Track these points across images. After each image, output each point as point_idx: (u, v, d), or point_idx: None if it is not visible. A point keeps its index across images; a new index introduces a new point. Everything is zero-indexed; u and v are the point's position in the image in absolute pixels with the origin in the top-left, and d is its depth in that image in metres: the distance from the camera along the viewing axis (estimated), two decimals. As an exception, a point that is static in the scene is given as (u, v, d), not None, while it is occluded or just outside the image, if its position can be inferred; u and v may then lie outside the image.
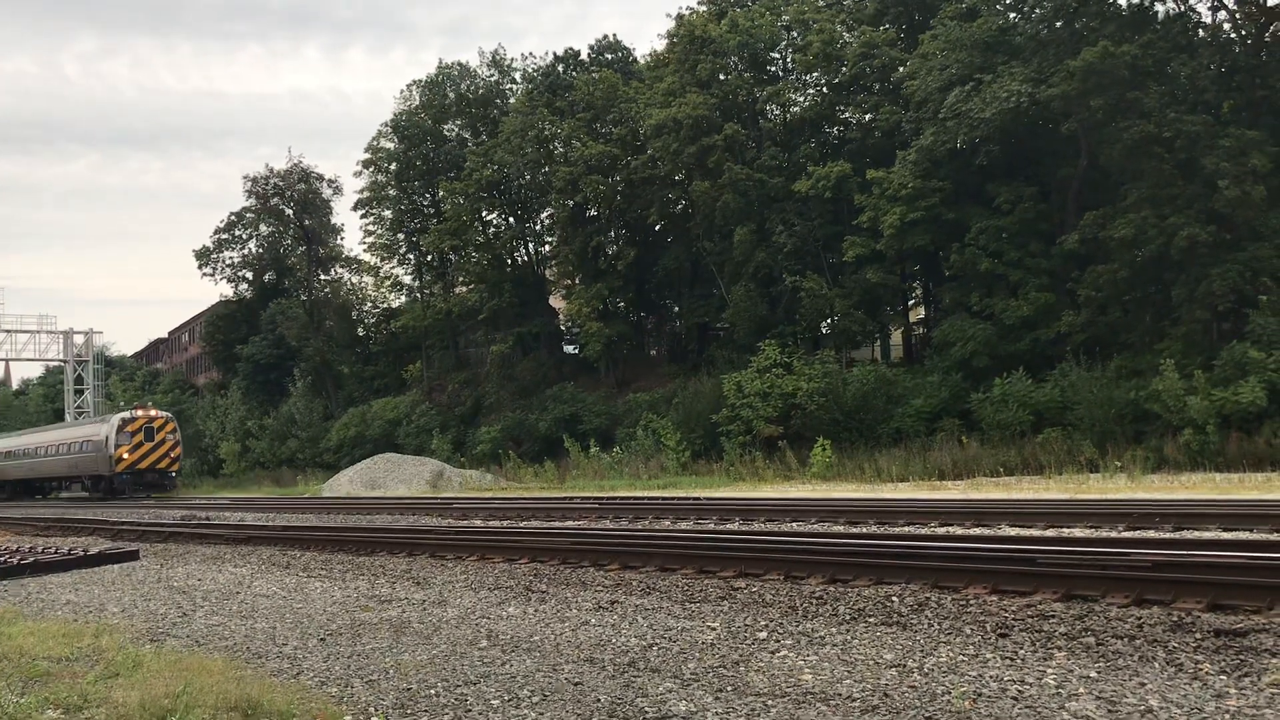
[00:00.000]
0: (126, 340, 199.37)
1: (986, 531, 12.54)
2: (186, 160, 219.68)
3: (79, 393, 73.66)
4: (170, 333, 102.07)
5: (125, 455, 46.92)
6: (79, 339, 74.23)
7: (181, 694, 6.12)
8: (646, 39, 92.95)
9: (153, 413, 49.21)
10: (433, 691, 6.25)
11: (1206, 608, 6.83)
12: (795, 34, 43.55)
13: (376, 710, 5.94)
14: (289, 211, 67.23)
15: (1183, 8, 33.10)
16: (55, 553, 15.89)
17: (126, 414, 48.79)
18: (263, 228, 69.19)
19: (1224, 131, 29.15)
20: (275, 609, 9.99)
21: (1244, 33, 31.84)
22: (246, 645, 8.17)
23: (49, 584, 12.97)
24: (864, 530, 13.29)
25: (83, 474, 50.16)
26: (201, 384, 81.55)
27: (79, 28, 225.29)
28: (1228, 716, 4.95)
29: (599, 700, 5.83)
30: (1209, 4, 32.75)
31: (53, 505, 44.74)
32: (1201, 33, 32.82)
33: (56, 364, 78.75)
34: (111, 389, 77.93)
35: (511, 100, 56.99)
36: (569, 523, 17.32)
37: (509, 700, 5.96)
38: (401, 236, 61.74)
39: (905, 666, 6.19)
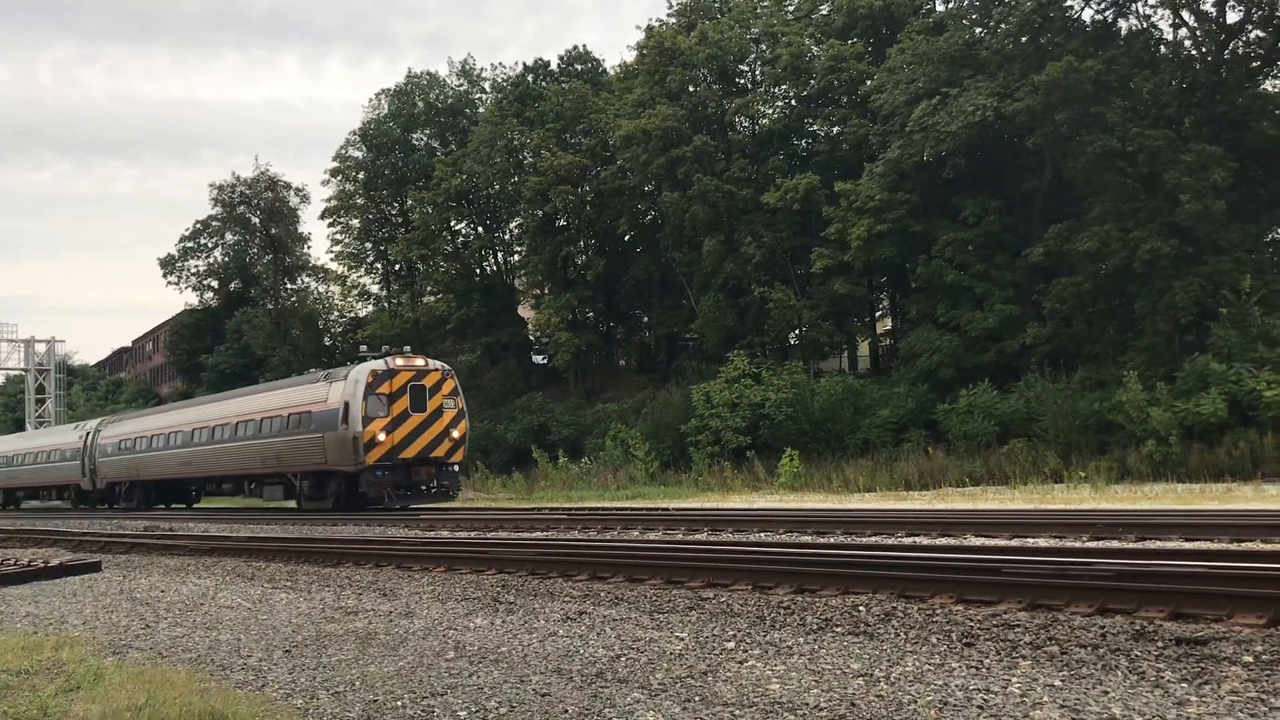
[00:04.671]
0: (90, 349, 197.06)
1: (953, 542, 12.61)
2: (160, 169, 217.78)
3: (40, 402, 72.69)
4: (134, 342, 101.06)
5: (382, 436, 27.34)
6: (40, 348, 73.34)
7: (144, 706, 6.05)
8: (620, 51, 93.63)
9: (419, 362, 29.05)
10: (399, 703, 6.21)
11: (1168, 616, 6.91)
12: (764, 47, 43.83)
13: (342, 722, 5.89)
14: (255, 220, 66.81)
15: (1145, 24, 33.60)
16: (14, 564, 15.65)
17: (377, 364, 28.48)
18: (229, 236, 68.79)
19: (1185, 146, 29.57)
20: (240, 620, 9.89)
21: (1204, 49, 32.34)
22: (210, 657, 8.09)
23: (7, 596, 12.78)
24: (831, 540, 13.34)
25: (285, 468, 30.80)
26: (165, 393, 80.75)
27: (54, 34, 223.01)
28: (1189, 724, 5.01)
29: (566, 711, 5.82)
30: (1170, 21, 33.27)
31: (14, 516, 43.32)
32: (1163, 49, 33.31)
33: (17, 373, 77.68)
34: (74, 398, 76.99)
35: (481, 110, 56.95)
36: (537, 533, 17.27)
37: (476, 711, 5.93)
38: (369, 245, 61.53)
39: (872, 676, 6.21)
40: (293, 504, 31.89)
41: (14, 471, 51.02)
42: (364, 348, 35.60)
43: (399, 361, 28.59)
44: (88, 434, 43.98)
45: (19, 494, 52.91)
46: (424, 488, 28.36)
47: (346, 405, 27.55)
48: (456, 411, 28.82)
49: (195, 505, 40.77)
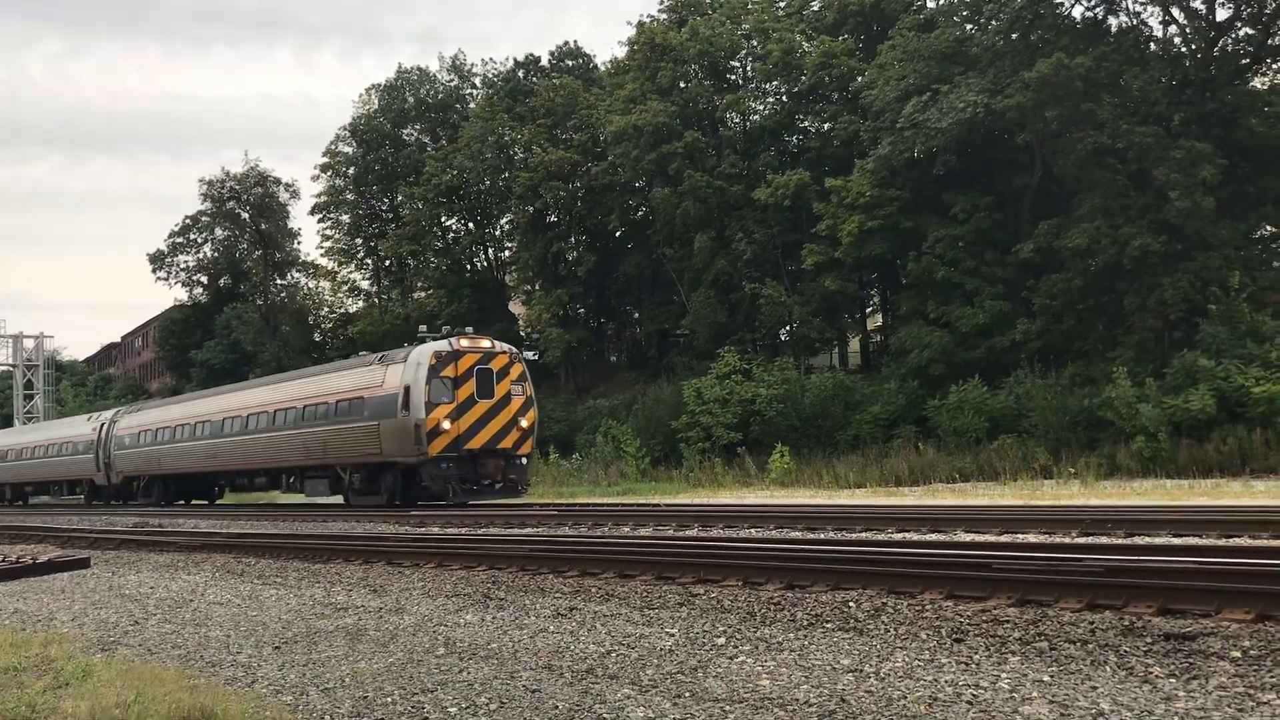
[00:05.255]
0: (79, 345, 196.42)
1: (942, 537, 12.64)
2: (150, 164, 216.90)
3: (28, 398, 72.41)
4: (123, 337, 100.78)
5: (446, 424, 24.84)
6: (29, 343, 73.04)
7: (133, 703, 6.03)
8: (611, 47, 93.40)
9: (485, 343, 26.63)
10: (389, 699, 6.20)
11: (1157, 612, 6.93)
12: (755, 43, 43.84)
13: (332, 718, 5.88)
14: (245, 215, 66.61)
15: (1135, 21, 33.67)
16: (2, 561, 15.59)
17: (440, 345, 25.95)
18: (218, 231, 68.55)
19: (1175, 143, 29.65)
20: (229, 617, 9.87)
21: (1194, 46, 32.42)
22: (200, 654, 8.07)
23: (-4, 592, 12.72)
24: (822, 536, 13.36)
25: (332, 460, 28.12)
26: (155, 389, 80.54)
27: (45, 29, 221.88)
28: (1177, 718, 5.02)
29: (557, 707, 5.82)
30: (1160, 18, 33.35)
31: (8, 512, 42.75)
32: (1153, 46, 33.38)
33: (5, 369, 77.38)
34: (62, 394, 76.72)
35: (471, 105, 56.86)
36: (528, 529, 17.27)
37: (466, 708, 5.92)
38: (359, 241, 61.41)
39: (862, 671, 6.22)
40: (338, 500, 29.30)
41: (22, 465, 48.29)
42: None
43: (464, 343, 25.97)
44: (102, 425, 41.52)
45: (27, 489, 50.48)
46: (491, 482, 25.71)
47: (407, 390, 24.90)
48: (525, 398, 26.40)
49: (218, 502, 38.92)
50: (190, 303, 71.44)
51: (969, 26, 37.24)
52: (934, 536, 12.88)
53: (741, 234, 40.01)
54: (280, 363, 61.62)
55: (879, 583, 8.59)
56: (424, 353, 25.45)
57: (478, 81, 58.99)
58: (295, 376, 32.25)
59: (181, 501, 38.23)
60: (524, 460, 26.52)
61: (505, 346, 26.93)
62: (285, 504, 35.05)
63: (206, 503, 38.35)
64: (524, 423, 26.19)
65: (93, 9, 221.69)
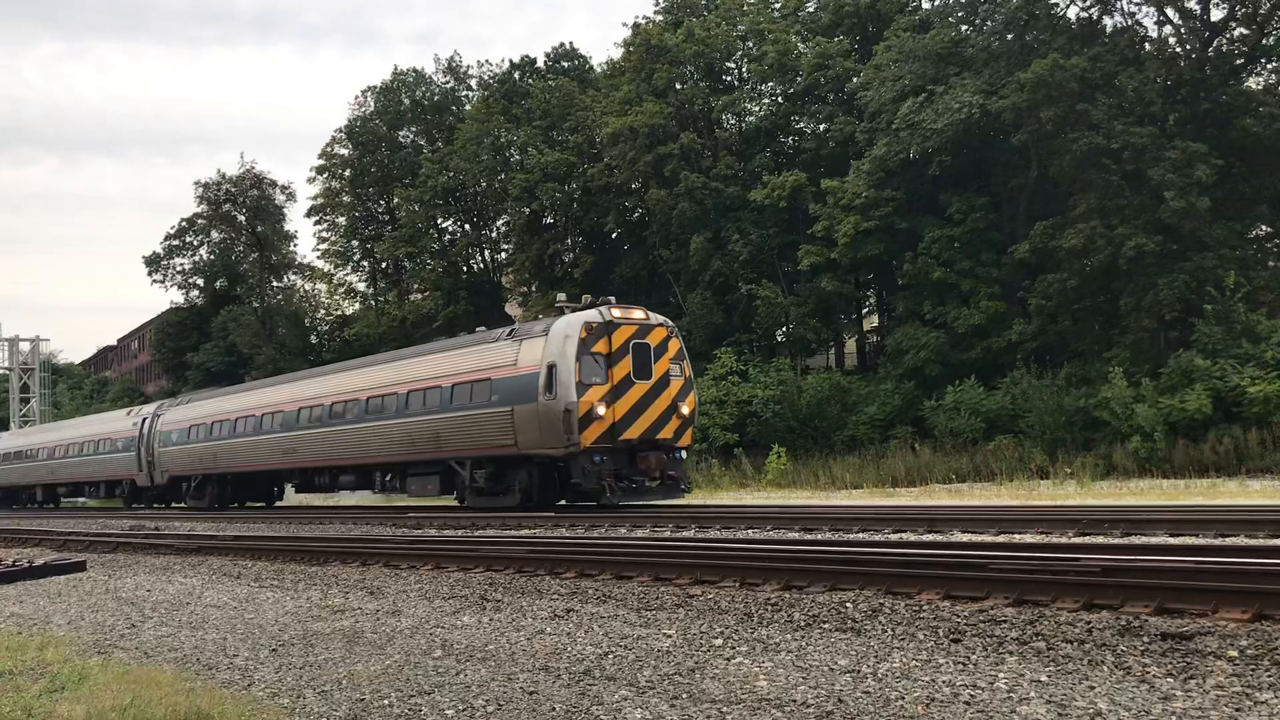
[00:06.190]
0: (75, 348, 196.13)
1: (939, 538, 12.64)
2: (147, 166, 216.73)
3: (24, 401, 72.30)
4: (119, 340, 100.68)
5: (601, 410, 20.84)
6: (25, 346, 72.90)
7: (129, 706, 6.02)
8: (607, 48, 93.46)
9: (638, 314, 22.59)
10: (386, 702, 6.19)
11: (1154, 611, 6.93)
12: (750, 44, 43.86)
13: (329, 721, 5.87)
14: (241, 217, 66.59)
15: (1130, 22, 33.75)
16: (-1, 564, 15.56)
17: (590, 315, 21.83)
18: (214, 234, 68.52)
19: (1170, 144, 29.72)
20: (226, 619, 9.85)
21: (1189, 47, 32.48)
22: (196, 656, 8.05)
23: (-8, 596, 12.70)
24: (819, 537, 13.35)
25: (447, 453, 23.90)
26: (151, 392, 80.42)
27: (41, 30, 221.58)
28: (1174, 718, 5.02)
29: (554, 709, 5.81)
30: (1155, 18, 33.43)
31: (5, 515, 42.70)
32: (1148, 46, 33.45)
33: (1, 372, 77.24)
34: (58, 397, 76.60)
35: (467, 107, 56.87)
36: (525, 531, 17.25)
37: (463, 710, 5.92)
38: (356, 243, 61.37)
39: (859, 672, 6.22)
40: (450, 500, 25.95)
41: (55, 465, 44.32)
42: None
43: (616, 312, 21.99)
44: (144, 420, 37.91)
45: (60, 491, 46.93)
46: (650, 480, 21.61)
47: (552, 369, 20.89)
48: (684, 380, 22.46)
49: (277, 505, 35.95)
50: (186, 305, 71.37)
51: (964, 27, 37.33)
52: (931, 537, 12.87)
53: (738, 235, 40.04)
54: (277, 365, 61.63)
55: (876, 583, 8.58)
56: (573, 324, 21.39)
57: (473, 83, 59.03)
58: (394, 359, 28.08)
59: (235, 504, 34.84)
60: (683, 454, 22.64)
61: (661, 318, 23.00)
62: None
63: (264, 505, 35.51)
64: (684, 409, 22.15)
65: (90, 11, 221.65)
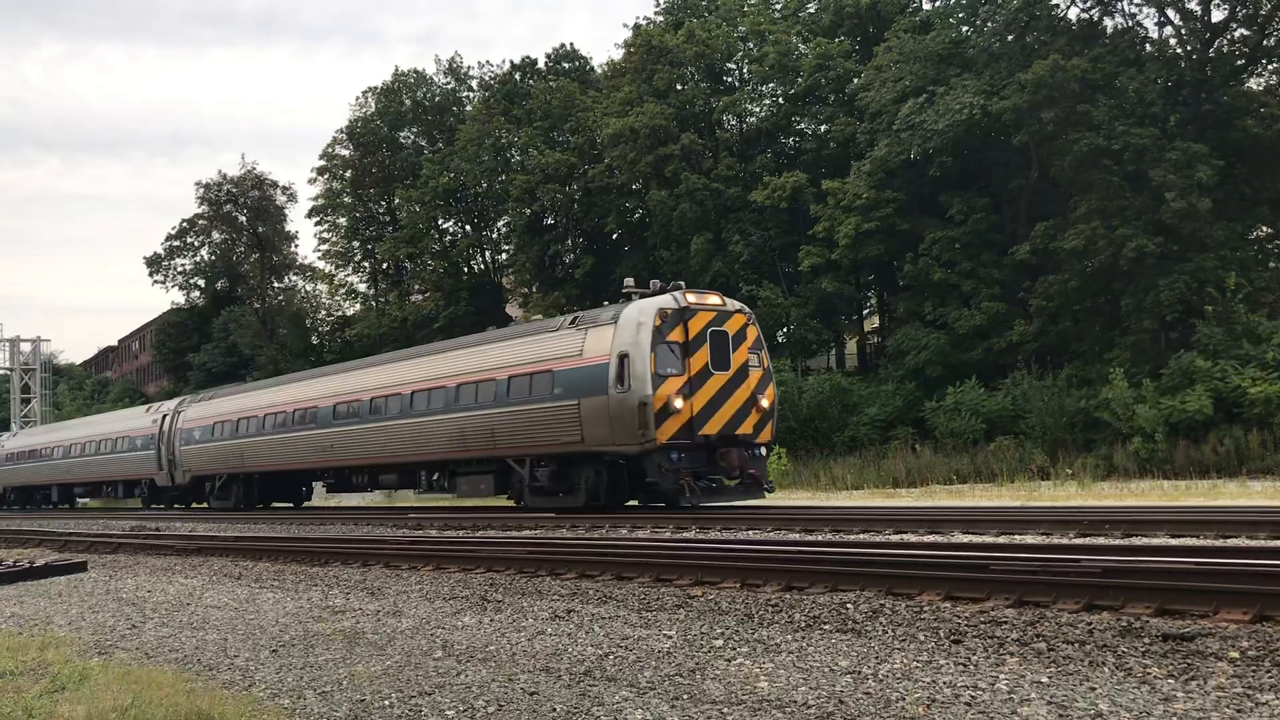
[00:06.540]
0: (76, 348, 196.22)
1: (940, 539, 12.63)
2: (148, 167, 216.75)
3: (25, 401, 72.32)
4: (120, 341, 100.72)
5: (678, 403, 19.41)
6: (25, 346, 72.89)
7: (130, 707, 6.02)
8: (607, 49, 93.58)
9: (713, 299, 21.04)
10: (387, 702, 6.19)
11: (1155, 612, 6.92)
12: (751, 45, 43.89)
13: (330, 722, 5.87)
14: (242, 218, 66.64)
15: (1130, 23, 33.76)
16: None
17: (664, 300, 20.34)
18: (215, 234, 68.56)
19: (1170, 144, 29.73)
20: (227, 620, 9.85)
21: (1189, 48, 32.49)
22: (197, 657, 8.05)
23: (-7, 596, 12.69)
24: (819, 538, 13.35)
25: (503, 450, 22.40)
26: (152, 393, 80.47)
27: (43, 32, 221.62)
28: (1175, 719, 5.02)
29: (555, 709, 5.81)
30: (1156, 19, 33.44)
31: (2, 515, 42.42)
32: (1149, 47, 33.47)
33: (2, 372, 77.28)
34: (59, 398, 76.62)
35: (468, 108, 56.91)
36: (525, 532, 17.24)
37: (464, 710, 5.91)
38: (356, 244, 61.40)
39: (860, 673, 6.22)
40: (504, 501, 24.50)
41: (71, 464, 42.82)
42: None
43: (691, 298, 20.42)
44: (164, 417, 36.48)
45: (76, 491, 45.65)
46: (730, 479, 20.16)
47: (623, 359, 19.41)
48: (763, 370, 20.92)
49: (305, 505, 34.32)
50: (187, 306, 71.44)
51: (965, 28, 37.34)
52: (931, 538, 12.87)
53: (738, 236, 40.05)
54: (278, 366, 61.64)
55: (877, 584, 8.58)
56: (645, 310, 19.85)
57: (474, 84, 59.07)
58: (442, 350, 26.38)
59: (261, 505, 33.34)
60: (764, 451, 20.99)
61: (738, 304, 21.45)
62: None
63: (293, 505, 33.97)
64: (764, 401, 20.62)
65: (91, 12, 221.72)
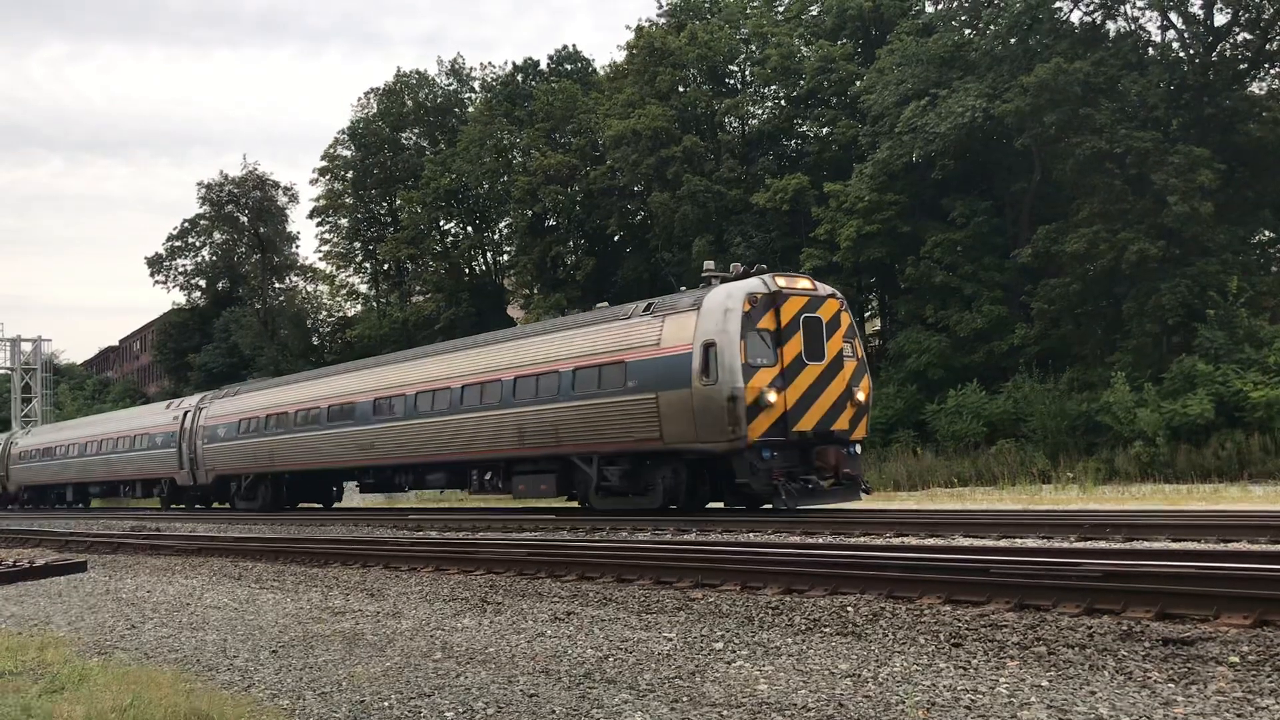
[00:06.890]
0: (77, 348, 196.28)
1: (941, 542, 12.62)
2: (151, 167, 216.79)
3: (26, 401, 72.33)
4: (121, 341, 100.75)
5: (771, 396, 17.53)
6: (26, 346, 72.88)
7: (129, 707, 6.01)
8: (610, 51, 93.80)
9: (804, 284, 19.20)
10: (386, 704, 6.19)
11: (1156, 616, 6.92)
12: (754, 47, 43.88)
13: (329, 723, 5.86)
14: (243, 219, 66.68)
15: (1133, 26, 33.74)
16: None
17: (753, 284, 18.44)
18: (216, 235, 68.61)
19: (1173, 148, 29.72)
20: (226, 621, 9.85)
21: (1192, 51, 32.48)
22: (197, 657, 8.05)
23: (-7, 596, 12.69)
24: (819, 540, 13.34)
25: (568, 448, 20.54)
26: (153, 393, 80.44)
27: (47, 31, 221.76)
28: (1176, 724, 5.01)
29: (554, 712, 5.80)
30: (1159, 23, 33.42)
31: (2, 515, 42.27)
32: (1151, 51, 33.46)
33: (3, 372, 77.30)
34: (60, 398, 76.63)
35: (470, 109, 56.94)
36: (526, 533, 17.23)
37: (463, 712, 5.91)
38: (358, 245, 61.43)
39: (860, 676, 6.21)
40: (566, 502, 22.93)
41: (86, 462, 41.09)
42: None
43: (782, 281, 18.65)
44: (186, 414, 34.65)
45: (92, 490, 43.68)
46: (825, 479, 18.22)
47: (708, 348, 17.66)
48: (858, 361, 19.13)
49: (334, 506, 32.79)
50: (188, 306, 71.48)
51: (968, 31, 37.30)
52: (932, 541, 12.85)
53: (740, 238, 40.04)
54: (278, 367, 61.61)
55: (877, 587, 8.57)
56: (733, 295, 18.10)
57: (476, 85, 59.10)
58: (494, 341, 24.38)
59: (288, 506, 31.69)
60: (858, 448, 19.18)
61: (831, 289, 19.51)
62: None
63: (321, 506, 32.48)
64: (860, 395, 18.90)
65: (95, 12, 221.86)
